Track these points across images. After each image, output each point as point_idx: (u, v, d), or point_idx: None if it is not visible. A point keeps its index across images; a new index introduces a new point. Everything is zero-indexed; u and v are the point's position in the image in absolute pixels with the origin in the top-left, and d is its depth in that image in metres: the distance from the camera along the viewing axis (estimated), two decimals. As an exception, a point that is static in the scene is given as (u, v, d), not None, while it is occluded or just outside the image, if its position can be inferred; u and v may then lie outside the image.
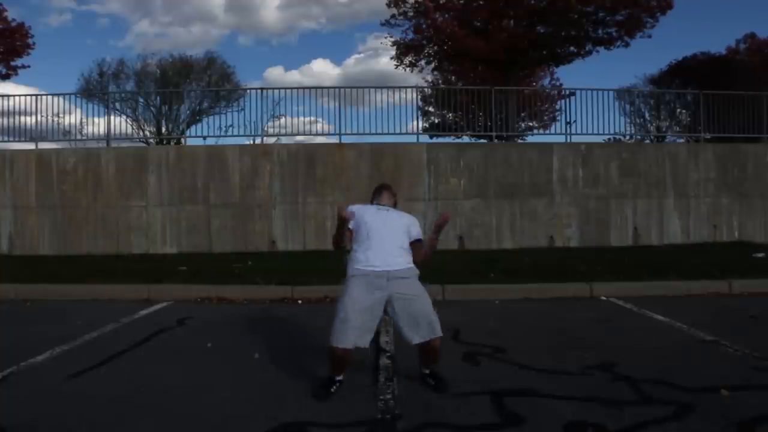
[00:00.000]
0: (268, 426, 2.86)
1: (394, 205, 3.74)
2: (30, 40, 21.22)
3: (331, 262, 8.40)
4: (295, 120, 11.80)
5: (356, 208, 3.50)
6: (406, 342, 3.32)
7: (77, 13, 47.38)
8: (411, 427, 2.85)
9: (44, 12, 45.18)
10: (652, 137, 15.95)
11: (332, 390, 3.32)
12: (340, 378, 3.38)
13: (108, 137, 11.15)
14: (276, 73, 48.57)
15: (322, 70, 51.07)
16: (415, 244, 3.51)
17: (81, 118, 11.70)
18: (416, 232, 3.53)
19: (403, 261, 3.37)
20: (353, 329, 3.15)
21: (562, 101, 14.58)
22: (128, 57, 40.65)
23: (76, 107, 20.06)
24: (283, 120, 11.54)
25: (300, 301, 6.43)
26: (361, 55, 55.32)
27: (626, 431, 2.77)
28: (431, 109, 20.37)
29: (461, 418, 2.95)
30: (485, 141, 12.37)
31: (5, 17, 20.34)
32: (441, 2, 17.23)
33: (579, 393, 3.29)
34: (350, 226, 3.44)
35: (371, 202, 3.75)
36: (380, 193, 3.77)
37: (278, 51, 54.23)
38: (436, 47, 18.79)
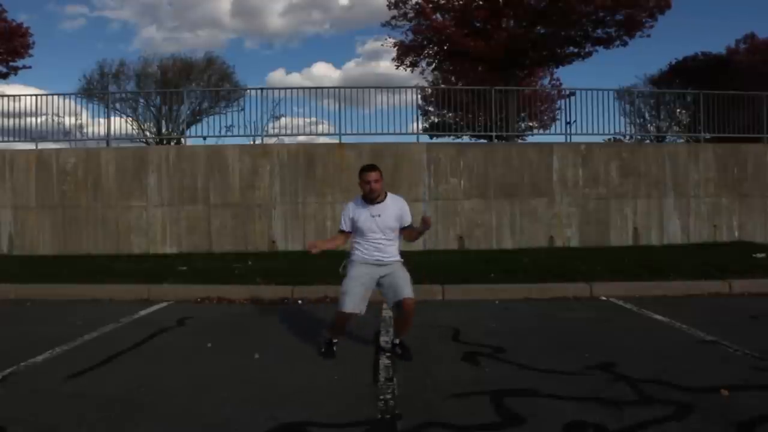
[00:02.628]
0: (268, 426, 2.86)
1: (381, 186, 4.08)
2: (30, 40, 21.24)
3: (331, 262, 8.42)
4: (296, 120, 11.83)
5: (350, 213, 4.12)
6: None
7: (89, 19, 48.70)
8: (411, 427, 2.85)
9: (58, 18, 46.67)
10: (652, 137, 15.94)
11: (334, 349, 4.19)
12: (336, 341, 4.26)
13: (108, 137, 11.15)
14: (278, 76, 48.97)
15: (324, 73, 51.31)
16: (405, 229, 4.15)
17: (79, 118, 11.65)
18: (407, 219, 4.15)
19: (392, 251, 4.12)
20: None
21: (562, 101, 14.58)
22: (132, 59, 41.36)
23: (81, 107, 20.05)
24: (283, 120, 11.57)
25: (300, 301, 6.43)
26: (361, 58, 55.48)
27: (626, 431, 2.77)
28: (431, 109, 20.39)
29: (461, 418, 2.95)
30: (485, 141, 12.36)
31: (4, 17, 20.34)
32: (441, 2, 17.25)
33: (579, 393, 3.29)
34: (345, 228, 4.16)
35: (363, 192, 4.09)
36: (366, 175, 4.05)
37: (281, 55, 54.71)
38: (436, 47, 18.82)
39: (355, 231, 4.10)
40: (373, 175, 4.01)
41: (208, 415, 3.04)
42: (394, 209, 4.08)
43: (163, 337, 4.83)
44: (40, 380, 3.64)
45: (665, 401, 3.14)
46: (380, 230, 4.01)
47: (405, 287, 3.95)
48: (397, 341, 4.24)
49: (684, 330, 4.88)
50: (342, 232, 4.18)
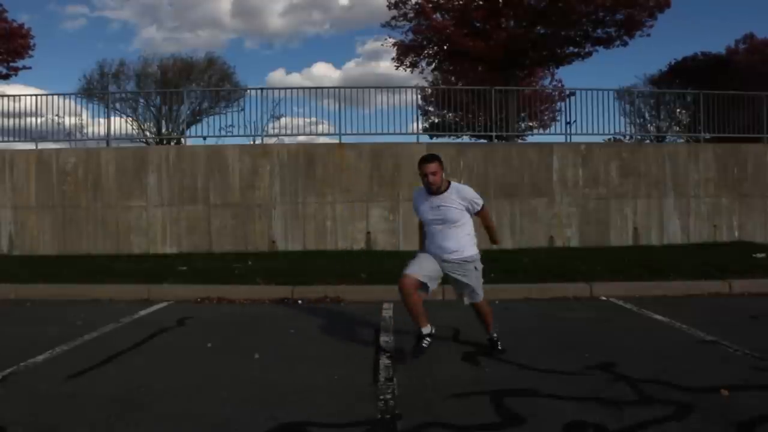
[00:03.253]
0: (268, 426, 2.86)
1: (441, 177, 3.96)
2: (31, 42, 21.24)
3: (331, 262, 8.43)
4: (296, 120, 11.84)
5: (415, 202, 4.16)
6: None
7: (90, 19, 48.92)
8: (411, 427, 2.85)
9: (59, 18, 46.86)
10: (652, 137, 15.94)
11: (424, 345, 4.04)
12: (428, 330, 4.07)
13: (108, 137, 11.16)
14: (278, 76, 49.10)
15: (324, 73, 51.40)
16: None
17: (79, 118, 11.66)
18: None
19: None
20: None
21: (562, 101, 14.59)
22: (132, 59, 41.49)
23: (82, 107, 20.07)
24: (283, 120, 11.57)
25: (300, 301, 6.43)
26: (361, 58, 55.57)
27: (626, 431, 2.77)
28: (431, 109, 20.40)
29: (461, 418, 2.95)
30: (485, 141, 12.36)
31: (5, 18, 20.33)
32: (440, 2, 17.26)
33: (579, 393, 3.29)
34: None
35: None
36: (424, 167, 3.92)
37: (281, 55, 54.86)
38: (435, 47, 18.84)
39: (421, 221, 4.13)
40: (431, 167, 3.85)
41: (208, 415, 3.04)
42: (457, 200, 3.93)
43: (163, 337, 4.83)
44: (40, 380, 3.64)
45: (665, 401, 3.14)
46: (441, 222, 3.93)
47: (473, 293, 4.07)
48: (489, 336, 4.27)
49: (684, 330, 4.88)
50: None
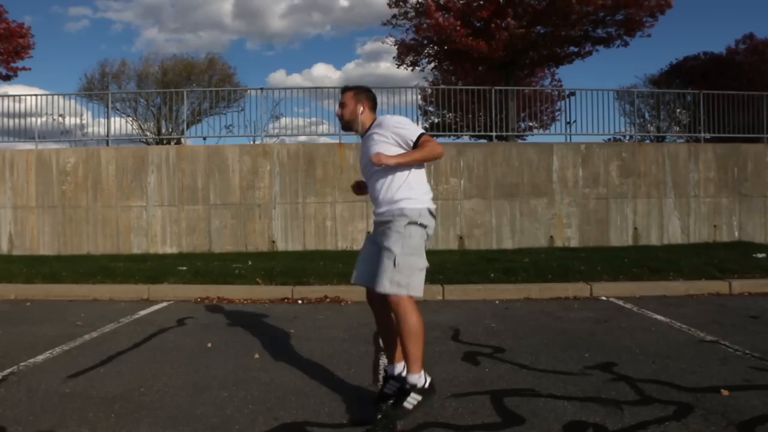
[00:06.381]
0: (268, 426, 2.86)
1: (357, 113, 2.98)
2: (31, 41, 21.20)
3: (331, 262, 8.43)
4: (296, 120, 11.87)
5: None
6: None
7: (92, 20, 49.34)
8: (411, 427, 2.85)
9: (62, 19, 47.08)
10: (652, 137, 15.94)
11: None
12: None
13: (108, 137, 11.17)
14: (279, 77, 49.27)
15: (324, 74, 51.47)
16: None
17: (81, 118, 11.68)
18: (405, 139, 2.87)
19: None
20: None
21: (562, 101, 14.59)
22: (134, 60, 41.58)
23: (82, 107, 20.07)
24: (283, 120, 11.59)
25: (300, 301, 6.43)
26: (361, 59, 55.67)
27: (626, 431, 2.77)
28: (431, 109, 20.39)
29: (461, 418, 2.95)
30: (485, 141, 12.37)
31: (5, 18, 20.31)
32: (442, 2, 17.25)
33: (579, 393, 3.29)
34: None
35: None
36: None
37: (282, 56, 55.06)
38: (436, 47, 18.83)
39: None
40: (342, 98, 3.02)
41: (208, 415, 3.04)
42: (376, 132, 2.90)
43: (162, 337, 4.83)
44: (40, 380, 3.64)
45: (665, 401, 3.14)
46: (369, 164, 2.90)
47: (379, 271, 2.70)
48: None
49: (684, 330, 4.88)
50: None
